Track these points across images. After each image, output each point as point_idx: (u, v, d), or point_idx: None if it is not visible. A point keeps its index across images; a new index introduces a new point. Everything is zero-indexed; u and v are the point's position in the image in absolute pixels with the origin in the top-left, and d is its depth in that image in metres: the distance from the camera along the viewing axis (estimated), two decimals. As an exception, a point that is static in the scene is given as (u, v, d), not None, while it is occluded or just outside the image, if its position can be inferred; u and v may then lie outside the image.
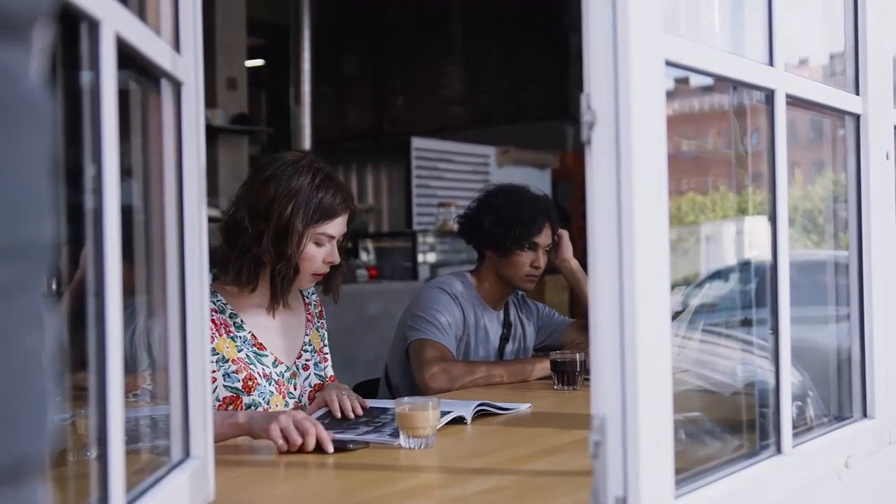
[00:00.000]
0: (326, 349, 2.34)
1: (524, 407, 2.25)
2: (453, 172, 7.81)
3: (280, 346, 2.21)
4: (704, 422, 1.56)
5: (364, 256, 7.11)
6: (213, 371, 2.05)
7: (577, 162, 7.63)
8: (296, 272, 2.13)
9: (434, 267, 7.01)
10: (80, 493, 1.10)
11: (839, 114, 1.75)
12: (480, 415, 2.11)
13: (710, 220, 1.79)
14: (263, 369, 2.14)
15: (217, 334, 2.09)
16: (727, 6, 1.77)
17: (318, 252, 2.14)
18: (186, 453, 1.31)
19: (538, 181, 6.64)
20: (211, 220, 1.47)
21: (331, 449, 1.75)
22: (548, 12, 8.19)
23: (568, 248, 2.94)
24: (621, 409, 1.08)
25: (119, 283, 0.96)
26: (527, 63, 8.57)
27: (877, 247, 1.74)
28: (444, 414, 1.95)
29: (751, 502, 1.37)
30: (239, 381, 2.09)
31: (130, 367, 1.17)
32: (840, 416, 1.76)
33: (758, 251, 1.69)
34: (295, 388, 2.20)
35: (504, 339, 2.93)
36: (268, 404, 2.11)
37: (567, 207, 7.30)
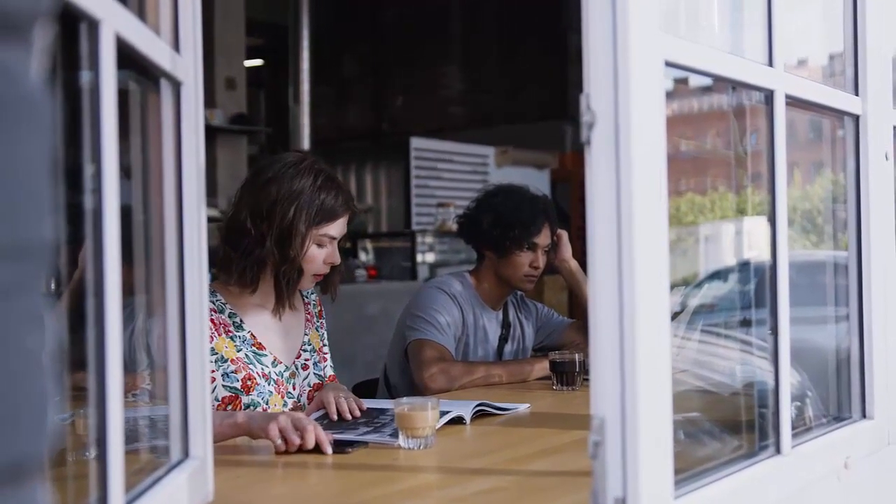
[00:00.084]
0: (326, 349, 2.35)
1: (523, 407, 2.25)
2: (452, 172, 7.81)
3: (279, 346, 2.21)
4: (704, 422, 1.56)
5: (363, 256, 7.11)
6: (213, 371, 2.05)
7: (576, 162, 7.64)
8: (299, 274, 2.13)
9: (433, 267, 7.00)
10: (79, 493, 1.10)
11: (838, 114, 1.75)
12: (479, 415, 2.11)
13: (709, 220, 1.79)
14: (262, 369, 2.14)
15: (216, 334, 2.09)
16: (727, 6, 1.77)
17: (320, 253, 2.15)
18: (185, 453, 1.31)
19: (537, 181, 6.63)
20: (210, 219, 1.47)
21: (329, 450, 1.75)
22: (547, 12, 8.19)
23: (567, 249, 2.94)
24: (621, 410, 1.08)
25: (119, 283, 0.96)
26: (526, 63, 8.57)
27: (876, 247, 1.74)
28: (443, 414, 1.95)
29: (750, 503, 1.37)
30: (238, 380, 2.09)
31: (129, 366, 1.17)
32: (839, 416, 1.76)
33: (757, 252, 1.69)
34: (294, 388, 2.20)
35: (503, 340, 2.93)
36: (267, 404, 2.11)
37: (566, 208, 7.30)
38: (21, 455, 0.57)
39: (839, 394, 1.79)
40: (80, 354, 0.96)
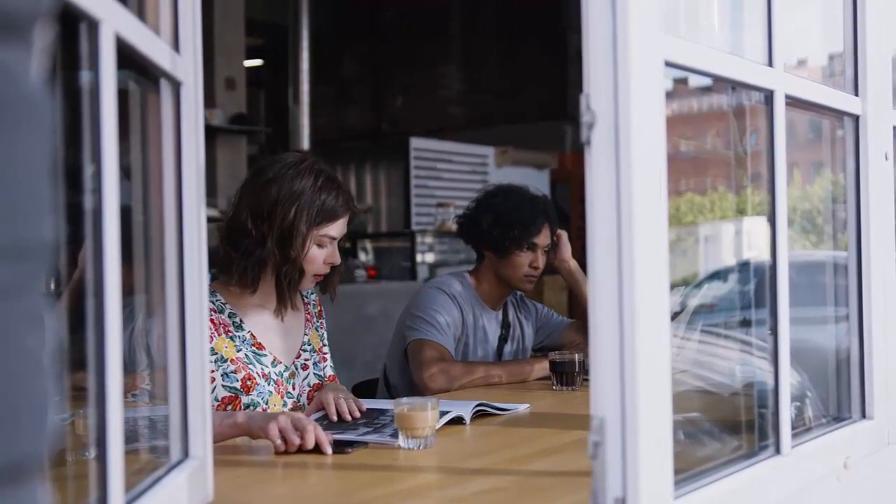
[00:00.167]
0: (326, 349, 2.35)
1: (523, 407, 2.25)
2: (452, 173, 7.81)
3: (279, 346, 2.21)
4: (703, 422, 1.56)
5: (363, 256, 7.11)
6: (212, 371, 2.05)
7: (575, 162, 7.64)
8: (301, 274, 2.14)
9: (433, 267, 7.00)
10: (79, 493, 1.10)
11: (838, 114, 1.75)
12: (479, 415, 2.11)
13: (708, 220, 1.79)
14: (262, 369, 2.14)
15: (216, 334, 2.09)
16: (726, 7, 1.77)
17: (320, 253, 2.15)
18: (185, 454, 1.31)
19: (537, 181, 6.63)
20: (209, 219, 1.47)
21: (329, 451, 1.75)
22: (547, 12, 8.19)
23: (567, 249, 2.94)
24: (620, 410, 1.08)
25: (118, 283, 0.96)
26: (526, 63, 8.57)
27: (876, 247, 1.74)
28: (442, 414, 1.95)
29: (750, 503, 1.37)
30: (238, 380, 2.09)
31: (129, 367, 1.17)
32: (839, 416, 1.76)
33: (756, 252, 1.69)
34: (294, 388, 2.20)
35: (503, 340, 2.93)
36: (266, 404, 2.11)
37: (566, 208, 7.30)
38: (21, 455, 0.57)
39: (839, 394, 1.79)
40: (79, 354, 0.96)
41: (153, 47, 1.16)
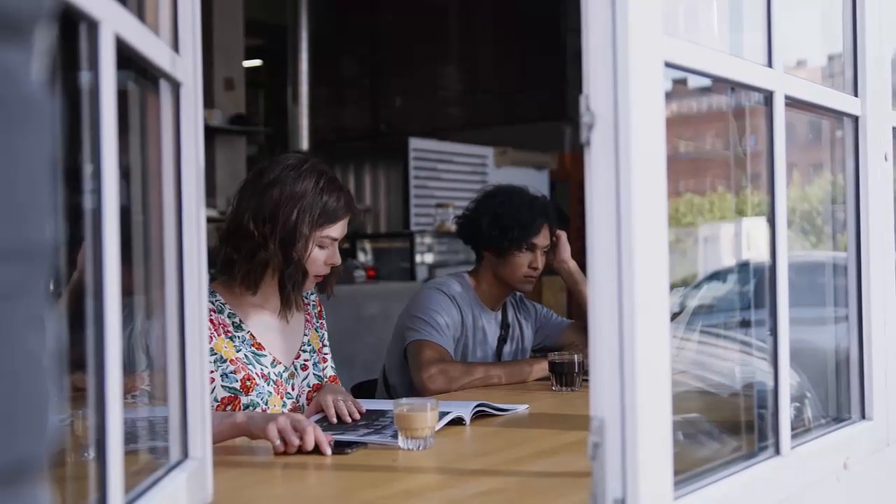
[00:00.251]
0: (326, 349, 2.35)
1: (522, 408, 2.25)
2: (451, 173, 7.81)
3: (279, 347, 2.21)
4: (703, 423, 1.56)
5: (362, 257, 7.10)
6: (211, 371, 2.05)
7: (574, 163, 7.63)
8: (304, 276, 2.13)
9: (432, 268, 7.00)
10: (78, 494, 1.10)
11: (838, 115, 1.75)
12: (479, 416, 2.11)
13: (708, 221, 1.79)
14: (262, 369, 2.14)
15: (215, 334, 2.09)
16: (726, 7, 1.77)
17: (321, 254, 2.15)
18: (185, 454, 1.31)
19: (536, 182, 6.64)
20: (208, 220, 1.47)
21: (328, 451, 1.75)
22: (546, 13, 8.19)
23: (566, 249, 2.94)
24: (620, 411, 1.08)
25: (118, 284, 0.96)
26: (525, 64, 8.57)
27: (875, 248, 1.74)
28: (442, 415, 1.95)
29: None
30: (237, 381, 2.09)
31: (128, 367, 1.17)
32: (838, 417, 1.76)
33: (756, 252, 1.70)
34: (293, 389, 2.20)
35: (502, 340, 2.93)
36: (266, 404, 2.11)
37: (565, 208, 7.29)
38: (22, 456, 0.57)
39: (838, 394, 1.79)
40: (79, 355, 0.96)
41: (153, 48, 1.16)
